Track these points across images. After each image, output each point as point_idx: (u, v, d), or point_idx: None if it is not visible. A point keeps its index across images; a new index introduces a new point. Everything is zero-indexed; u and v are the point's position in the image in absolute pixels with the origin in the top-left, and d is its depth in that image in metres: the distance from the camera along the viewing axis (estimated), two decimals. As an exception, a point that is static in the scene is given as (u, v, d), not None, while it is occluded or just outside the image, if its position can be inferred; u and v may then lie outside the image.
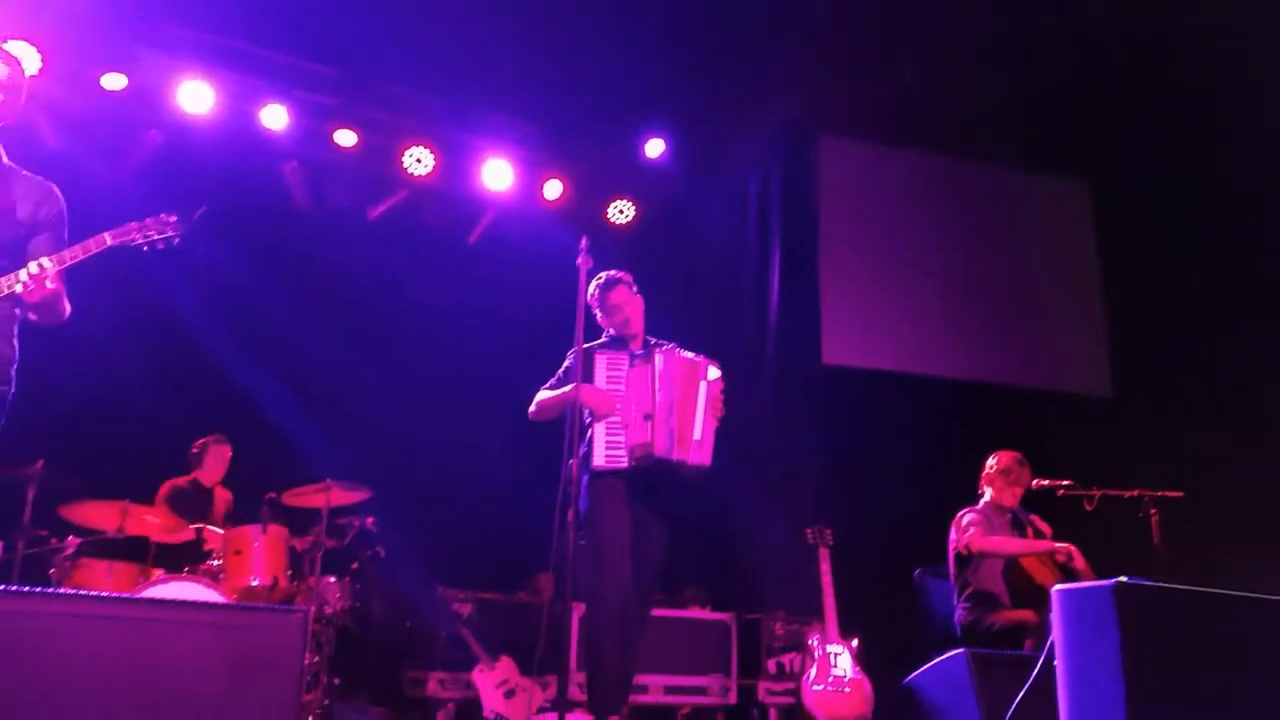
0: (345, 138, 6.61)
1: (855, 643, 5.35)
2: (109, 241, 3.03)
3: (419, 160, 6.78)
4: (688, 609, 6.22)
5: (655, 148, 7.14)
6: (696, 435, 4.05)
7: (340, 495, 5.30)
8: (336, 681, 5.20)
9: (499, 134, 6.93)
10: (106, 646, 2.25)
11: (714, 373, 4.21)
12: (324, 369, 6.57)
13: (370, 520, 5.49)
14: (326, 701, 5.01)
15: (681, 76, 6.59)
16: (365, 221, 7.00)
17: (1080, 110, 6.91)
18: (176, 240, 3.11)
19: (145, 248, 3.07)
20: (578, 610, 5.18)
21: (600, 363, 4.11)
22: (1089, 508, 4.70)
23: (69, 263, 2.98)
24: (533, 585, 6.23)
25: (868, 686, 5.16)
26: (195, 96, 6.14)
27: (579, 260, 3.98)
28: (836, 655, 5.25)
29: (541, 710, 5.25)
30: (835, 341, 7.18)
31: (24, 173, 3.19)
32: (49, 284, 2.92)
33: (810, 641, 5.36)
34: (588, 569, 3.95)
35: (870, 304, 7.39)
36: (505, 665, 5.48)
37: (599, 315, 4.29)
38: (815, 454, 6.74)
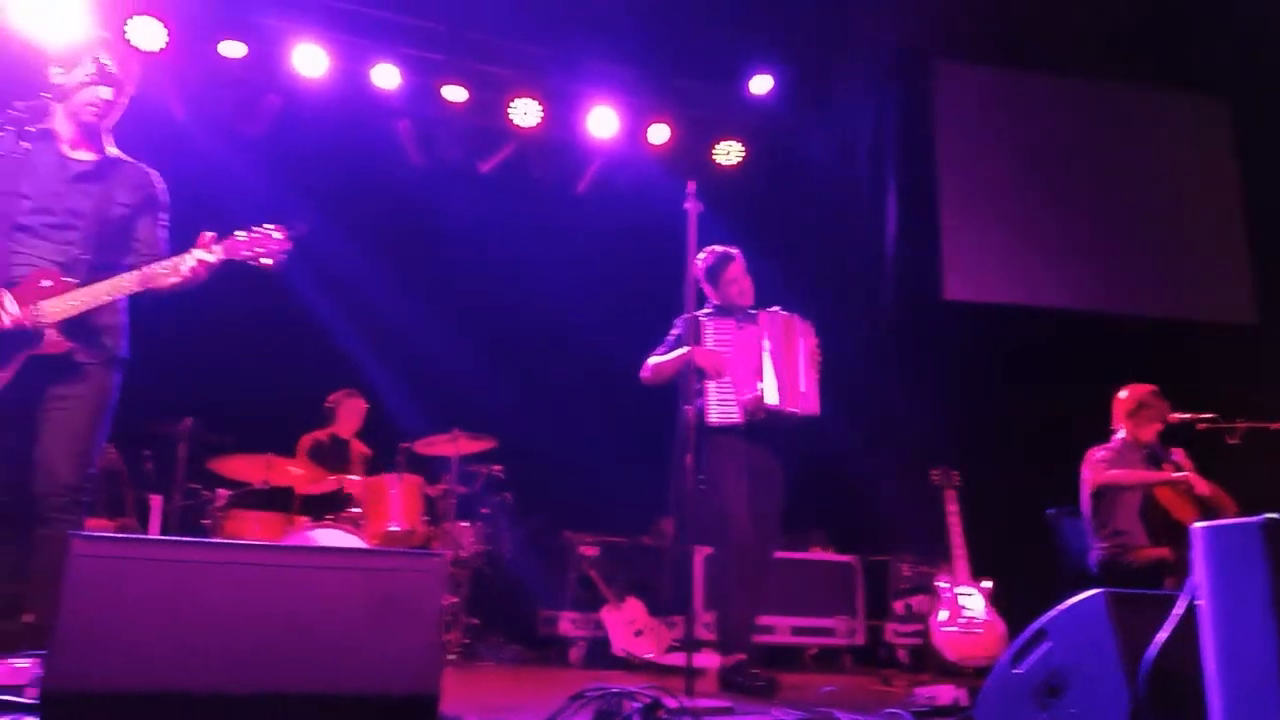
0: (455, 93, 6.68)
1: (987, 584, 5.26)
2: (220, 255, 3.09)
3: (526, 112, 6.80)
4: (811, 551, 6.22)
5: (762, 84, 6.98)
6: (802, 387, 4.25)
7: (467, 444, 5.49)
8: (475, 621, 5.43)
9: (603, 80, 6.89)
10: (258, 591, 2.37)
11: (809, 328, 4.39)
12: (447, 323, 6.75)
13: (497, 468, 5.66)
14: (466, 640, 5.24)
15: (788, 6, 6.41)
16: (477, 175, 7.09)
17: (1219, 22, 6.43)
18: (283, 259, 3.16)
19: (251, 263, 3.13)
20: (699, 553, 5.24)
21: (709, 327, 4.29)
22: (1232, 441, 4.48)
23: (191, 277, 3.06)
24: (655, 529, 6.32)
25: (1001, 627, 5.09)
26: (310, 59, 6.30)
27: (687, 204, 3.97)
28: (967, 597, 5.18)
29: (670, 649, 5.35)
30: (957, 276, 6.96)
31: (126, 159, 3.29)
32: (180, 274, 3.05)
33: (938, 583, 5.30)
34: (711, 517, 4.11)
35: (993, 236, 7.12)
36: (633, 605, 5.60)
37: (709, 288, 4.42)
38: (939, 392, 6.59)
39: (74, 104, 3.12)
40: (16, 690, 2.49)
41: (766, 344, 4.25)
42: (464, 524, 5.49)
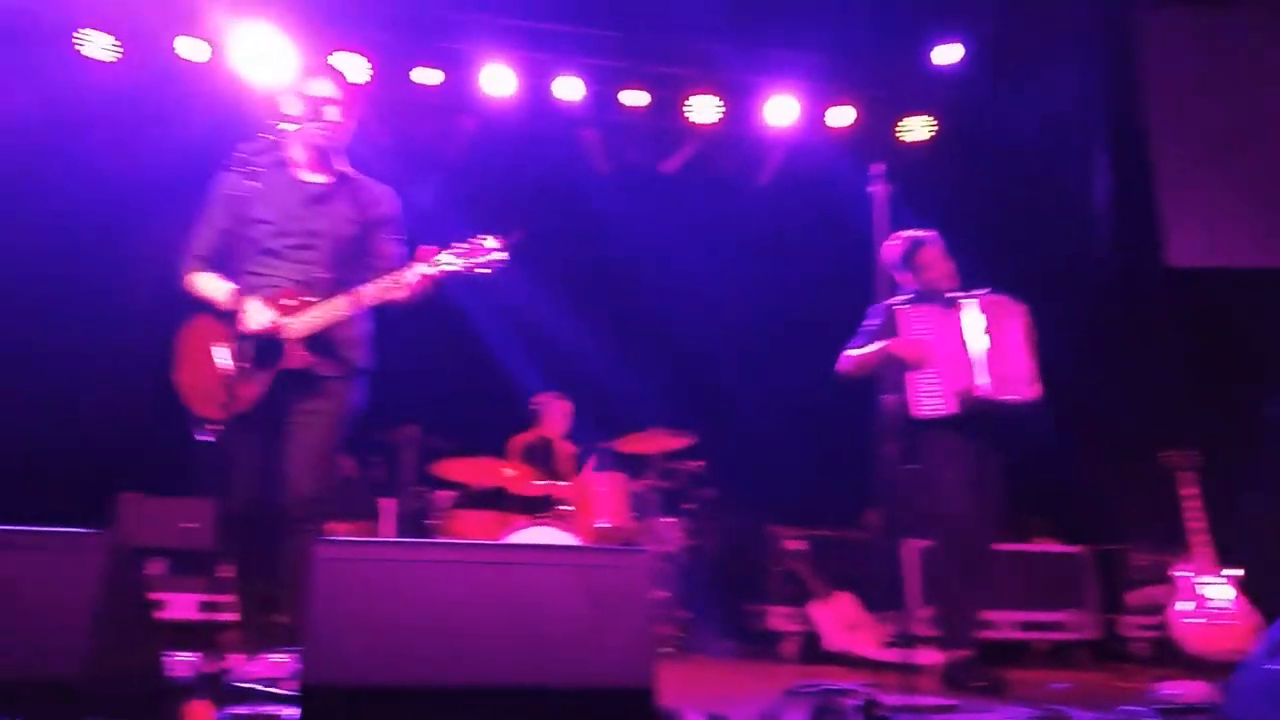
0: (635, 97, 6.78)
1: (1237, 572, 4.83)
2: (436, 270, 3.23)
3: (705, 108, 6.82)
4: (1034, 543, 5.90)
5: (950, 54, 6.67)
6: (1018, 371, 4.02)
7: (667, 441, 5.57)
8: (686, 615, 5.49)
9: (780, 68, 6.79)
10: (482, 587, 2.48)
11: (1022, 309, 4.15)
12: (642, 323, 6.86)
13: (698, 464, 5.71)
14: (679, 634, 5.32)
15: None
16: (659, 177, 7.17)
17: None
18: (496, 267, 3.27)
19: (466, 273, 3.25)
20: (911, 546, 5.08)
21: (908, 316, 4.12)
22: None
23: (411, 291, 3.23)
24: (863, 521, 6.18)
25: (1253, 618, 4.65)
26: (497, 79, 6.56)
27: (872, 188, 3.85)
28: (1212, 586, 4.77)
29: (886, 645, 5.22)
30: (1181, 240, 6.41)
31: (358, 178, 3.51)
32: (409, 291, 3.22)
33: (1178, 572, 4.91)
34: (927, 509, 3.98)
35: (1220, 194, 6.50)
36: (844, 600, 5.50)
37: (905, 274, 4.25)
38: (1167, 367, 6.10)
39: (304, 131, 3.34)
40: (276, 683, 2.72)
41: (976, 328, 4.04)
42: (669, 520, 5.57)
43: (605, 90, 6.76)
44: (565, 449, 6.10)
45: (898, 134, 7.06)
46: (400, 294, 3.23)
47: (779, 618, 5.67)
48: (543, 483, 5.43)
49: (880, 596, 5.53)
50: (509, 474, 5.39)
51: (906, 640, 3.49)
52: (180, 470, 4.34)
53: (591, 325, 6.92)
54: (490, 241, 3.26)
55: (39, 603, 2.21)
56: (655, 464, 5.58)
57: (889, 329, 3.96)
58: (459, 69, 6.56)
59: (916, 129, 7.05)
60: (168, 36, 6.10)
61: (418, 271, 3.23)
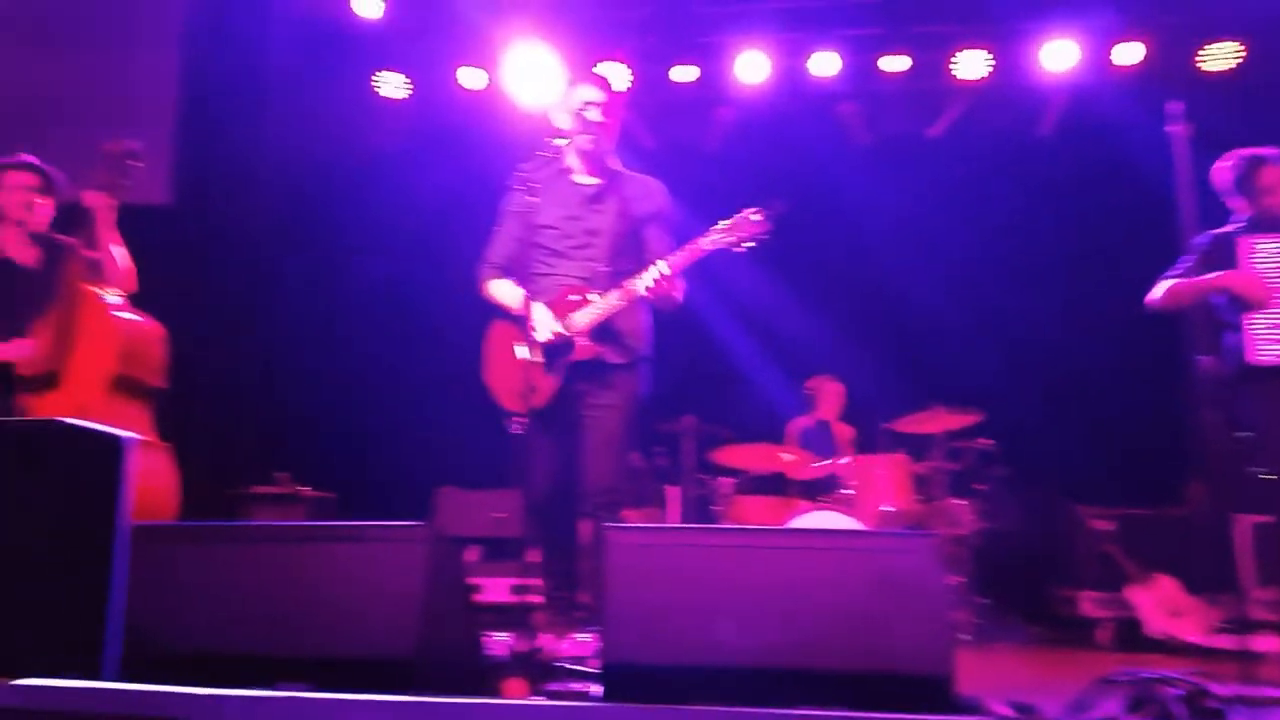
0: (895, 63, 6.55)
1: None
2: (704, 248, 3.34)
3: (973, 64, 6.47)
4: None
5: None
6: None
7: (951, 419, 5.35)
8: (985, 601, 5.27)
9: (1057, 8, 6.30)
10: (768, 572, 2.51)
11: None
12: (915, 295, 6.63)
13: (987, 441, 5.44)
14: (977, 621, 5.10)
15: None
16: (925, 142, 6.89)
17: None
18: (762, 238, 3.30)
19: (734, 249, 3.32)
20: (1243, 521, 4.56)
21: (1246, 246, 3.62)
22: None
23: (678, 268, 3.36)
24: (1183, 496, 5.63)
25: None
26: (752, 66, 6.56)
27: (1170, 128, 3.48)
28: None
29: (1217, 630, 4.73)
30: None
31: (631, 174, 3.68)
32: (670, 285, 3.32)
33: None
34: (1260, 478, 3.52)
35: None
36: (1165, 583, 5.05)
37: (1239, 200, 3.77)
38: None
39: (575, 139, 3.54)
40: (582, 661, 2.90)
41: None
42: (959, 501, 5.35)
43: (863, 59, 6.59)
44: (843, 431, 6.03)
45: (1197, 65, 6.33)
46: (667, 276, 3.31)
47: (1090, 603, 5.28)
48: (824, 464, 5.40)
49: (1206, 578, 5.01)
50: (787, 458, 5.40)
51: (1241, 625, 3.14)
52: (490, 464, 4.72)
53: (861, 304, 6.78)
54: (753, 215, 3.30)
55: (373, 589, 2.49)
56: (940, 443, 5.37)
57: (1220, 259, 3.50)
58: (714, 61, 6.64)
59: (1220, 57, 6.28)
60: (452, 68, 6.64)
61: (684, 253, 3.32)
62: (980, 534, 5.32)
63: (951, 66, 6.49)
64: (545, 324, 3.40)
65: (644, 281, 3.35)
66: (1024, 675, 3.80)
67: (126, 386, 3.52)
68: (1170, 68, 6.30)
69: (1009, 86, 6.59)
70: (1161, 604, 4.97)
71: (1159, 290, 3.78)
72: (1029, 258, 6.55)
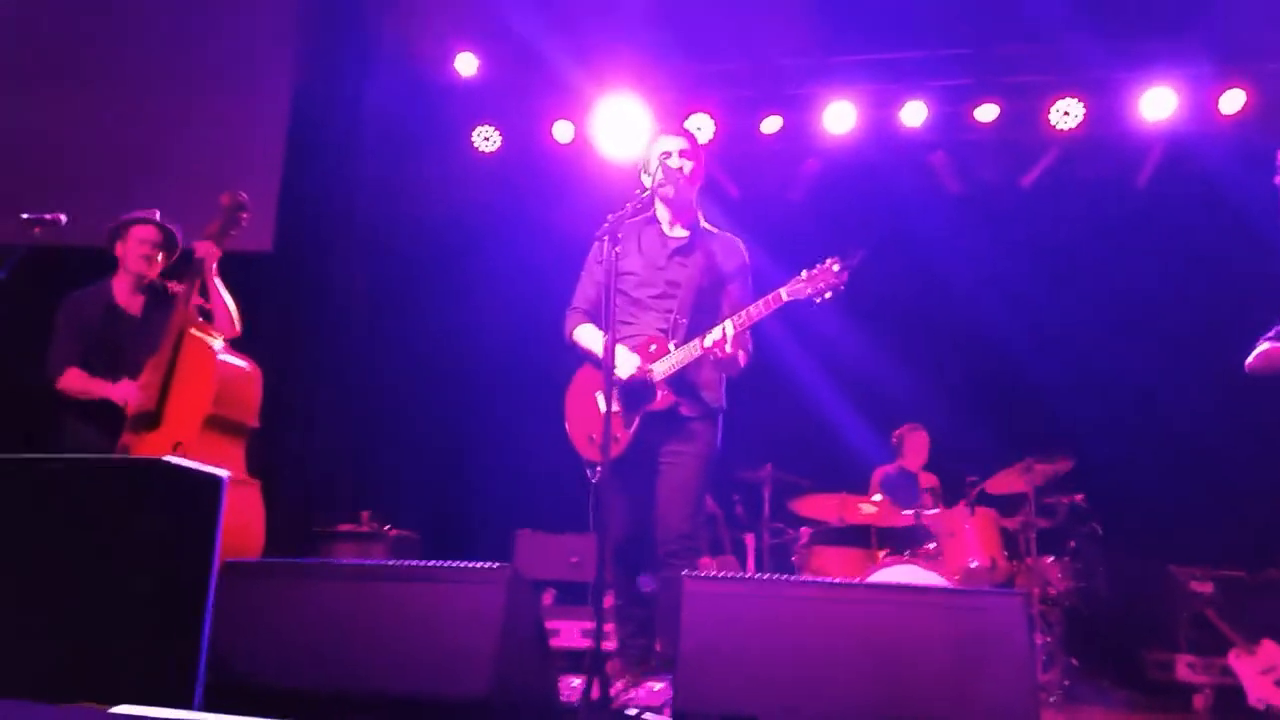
0: (986, 112, 6.49)
1: None
2: (784, 298, 3.36)
3: (1066, 113, 6.35)
4: None
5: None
6: None
7: (1043, 472, 5.19)
8: (1075, 662, 5.08)
9: (1154, 59, 6.17)
10: (844, 624, 2.48)
11: None
12: (1006, 346, 6.48)
13: (1080, 497, 5.27)
14: (1066, 682, 4.92)
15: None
16: (1018, 191, 6.78)
17: None
18: (842, 289, 3.31)
19: (815, 299, 3.33)
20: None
21: None
22: None
23: (750, 322, 3.39)
24: (1286, 561, 5.35)
25: None
26: (839, 117, 6.57)
27: (1278, 178, 3.37)
28: None
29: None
30: None
31: (714, 231, 3.74)
32: (727, 348, 3.34)
33: None
34: None
35: None
36: (1269, 649, 4.79)
37: None
38: None
39: (662, 190, 3.61)
40: (656, 709, 2.89)
41: None
42: (1049, 559, 5.19)
43: (954, 110, 6.55)
44: (927, 480, 5.92)
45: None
46: (727, 345, 3.32)
47: (1187, 667, 5.04)
48: (908, 514, 5.29)
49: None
50: (868, 510, 5.31)
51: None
52: (567, 508, 4.76)
53: (949, 354, 6.66)
54: (834, 266, 3.30)
55: (453, 628, 2.54)
56: (1031, 499, 5.21)
57: None
58: (801, 112, 6.67)
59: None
60: (542, 121, 6.82)
61: (763, 304, 3.35)
62: (1071, 593, 5.14)
63: (1049, 115, 6.38)
64: (628, 362, 3.44)
65: (710, 338, 3.37)
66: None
67: (221, 426, 3.69)
68: (1277, 115, 6.10)
69: (1104, 135, 6.46)
70: (1265, 672, 4.71)
71: (1255, 353, 3.67)
72: (1124, 310, 6.36)
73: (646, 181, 3.68)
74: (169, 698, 2.08)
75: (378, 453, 6.55)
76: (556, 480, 3.93)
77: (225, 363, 3.73)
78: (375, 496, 6.05)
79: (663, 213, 3.70)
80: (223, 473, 2.35)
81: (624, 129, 6.46)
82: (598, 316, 3.64)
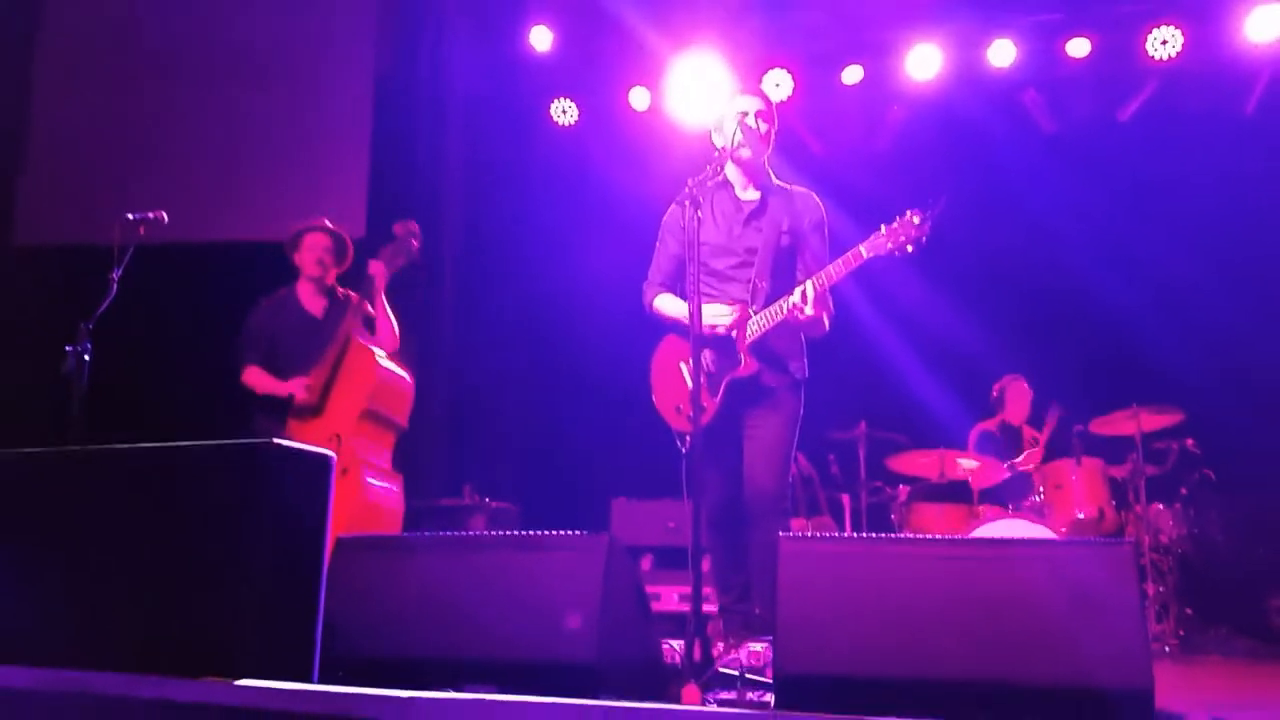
0: (1078, 47, 6.23)
1: None
2: (864, 255, 3.30)
3: (1165, 42, 6.06)
4: None
5: None
6: None
7: (1150, 420, 5.03)
8: (1189, 612, 4.93)
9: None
10: (949, 582, 2.45)
11: None
12: (1107, 291, 6.25)
13: (1190, 442, 5.08)
14: (1181, 632, 4.79)
15: None
16: (1116, 125, 6.49)
17: None
18: (924, 240, 3.23)
19: (897, 253, 3.26)
20: None
21: None
22: None
23: (831, 281, 3.34)
24: None
25: None
26: (923, 61, 6.38)
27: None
28: None
29: None
30: None
31: (787, 187, 3.68)
32: (808, 310, 3.31)
33: None
34: None
35: None
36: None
37: None
38: None
39: (736, 152, 3.55)
40: (755, 670, 2.91)
41: None
42: (1160, 506, 5.03)
43: (1044, 46, 6.30)
44: (1030, 434, 5.77)
45: None
46: (807, 307, 3.29)
47: (1312, 615, 4.86)
48: (1010, 467, 5.19)
49: None
50: (968, 465, 5.22)
51: None
52: (661, 475, 4.80)
53: (1049, 302, 6.45)
54: (915, 217, 3.23)
55: (555, 595, 2.60)
56: (1139, 446, 5.05)
57: None
58: (883, 59, 6.50)
59: None
60: (623, 90, 6.80)
61: (843, 263, 3.31)
62: (1184, 540, 4.98)
63: (1146, 46, 6.09)
64: (722, 316, 3.43)
65: (791, 300, 3.34)
66: (1231, 690, 3.54)
67: (375, 420, 4.11)
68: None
69: (1206, 63, 6.14)
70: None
71: None
72: (1231, 248, 6.06)
73: (719, 142, 3.63)
74: (289, 671, 2.19)
75: (475, 427, 6.70)
76: (650, 447, 3.96)
77: (384, 367, 4.14)
78: (474, 471, 6.20)
79: (735, 175, 3.65)
80: (329, 453, 2.45)
81: (700, 91, 6.39)
82: (675, 286, 3.66)
